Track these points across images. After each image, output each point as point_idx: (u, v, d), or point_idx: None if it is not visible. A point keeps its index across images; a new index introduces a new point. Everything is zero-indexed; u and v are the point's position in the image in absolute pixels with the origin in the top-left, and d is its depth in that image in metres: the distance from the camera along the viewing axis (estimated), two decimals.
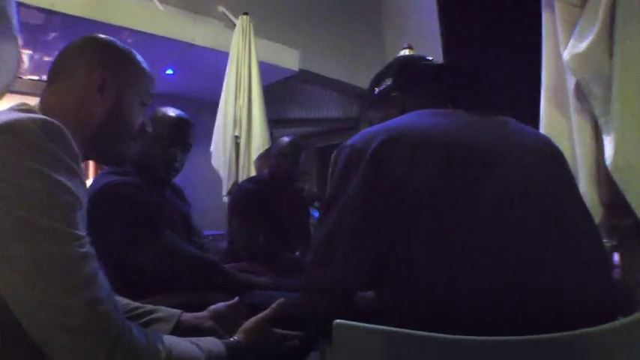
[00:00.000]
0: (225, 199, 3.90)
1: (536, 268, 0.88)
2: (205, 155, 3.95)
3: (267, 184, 2.77)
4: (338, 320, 0.80)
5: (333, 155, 1.09)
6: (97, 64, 1.05)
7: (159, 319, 1.26)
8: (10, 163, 0.78)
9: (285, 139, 2.80)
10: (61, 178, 0.81)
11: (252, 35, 3.90)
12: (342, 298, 1.02)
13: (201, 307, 1.48)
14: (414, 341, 0.76)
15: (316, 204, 5.25)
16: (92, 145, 1.04)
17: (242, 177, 3.79)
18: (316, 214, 4.07)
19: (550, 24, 1.77)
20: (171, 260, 1.76)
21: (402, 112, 1.18)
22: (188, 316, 1.32)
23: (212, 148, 3.93)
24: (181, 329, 1.25)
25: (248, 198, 2.68)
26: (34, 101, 1.03)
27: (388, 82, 1.29)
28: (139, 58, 1.15)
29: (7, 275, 0.76)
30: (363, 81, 7.49)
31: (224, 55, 3.96)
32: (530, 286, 0.87)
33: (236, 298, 1.44)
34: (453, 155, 0.94)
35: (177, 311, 1.30)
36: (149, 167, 1.88)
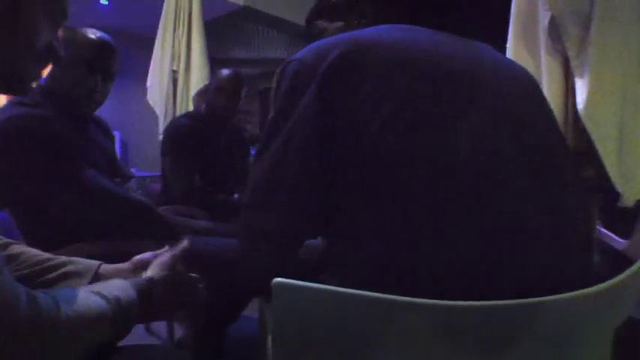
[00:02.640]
0: (161, 137, 3.67)
1: (517, 217, 0.74)
2: (140, 92, 3.69)
3: (204, 120, 2.55)
4: (277, 279, 0.63)
5: (276, 73, 0.89)
6: None
7: (72, 274, 1.04)
8: None
9: (225, 71, 2.56)
10: None
11: None
12: (285, 248, 0.85)
13: (128, 258, 1.29)
14: (370, 304, 0.60)
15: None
16: None
17: (179, 114, 3.58)
18: None
19: None
20: (91, 203, 1.55)
21: (370, 24, 1.00)
22: (108, 268, 1.11)
23: (148, 83, 3.67)
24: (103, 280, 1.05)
25: (183, 134, 2.46)
26: None
27: None
28: None
29: None
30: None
31: None
32: (508, 239, 0.73)
33: (165, 247, 1.25)
34: (428, 76, 0.77)
35: (94, 263, 1.08)
36: (65, 97, 1.63)
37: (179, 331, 2.16)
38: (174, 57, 3.61)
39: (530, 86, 0.92)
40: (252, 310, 1.70)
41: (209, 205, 2.32)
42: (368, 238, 0.74)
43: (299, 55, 0.83)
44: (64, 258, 1.09)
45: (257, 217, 0.83)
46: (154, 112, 3.66)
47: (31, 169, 1.43)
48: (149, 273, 0.97)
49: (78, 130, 1.69)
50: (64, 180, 1.49)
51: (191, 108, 3.57)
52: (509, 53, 1.64)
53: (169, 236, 1.73)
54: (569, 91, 1.55)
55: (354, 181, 0.75)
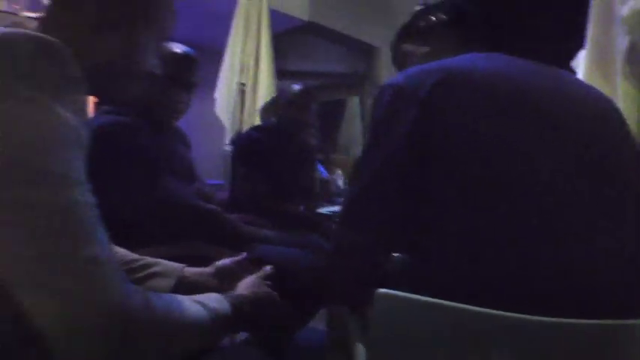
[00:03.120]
0: (228, 147, 3.79)
1: (595, 247, 0.77)
2: (207, 101, 3.81)
3: (275, 133, 2.64)
4: (381, 290, 0.69)
5: (374, 97, 0.95)
6: None
7: (158, 274, 1.14)
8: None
9: (296, 86, 2.65)
10: (62, 110, 0.66)
11: None
12: (373, 262, 0.90)
13: (203, 261, 1.38)
14: (466, 316, 0.65)
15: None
16: (93, 78, 0.85)
17: (246, 126, 3.69)
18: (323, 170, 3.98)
19: None
20: (171, 208, 1.66)
21: (455, 49, 1.05)
22: (191, 271, 1.20)
23: (216, 94, 3.80)
24: (184, 286, 1.14)
25: (254, 146, 2.54)
26: None
27: (440, 16, 1.15)
28: None
29: None
30: (368, 35, 7.30)
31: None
32: (585, 267, 0.76)
33: (243, 254, 1.33)
34: (516, 106, 0.82)
35: (179, 265, 1.18)
36: (151, 108, 1.74)
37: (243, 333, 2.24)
38: (242, 70, 3.73)
39: (613, 116, 0.94)
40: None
41: (276, 215, 2.40)
42: (453, 253, 0.79)
43: (396, 80, 0.89)
44: (150, 259, 1.18)
45: (350, 233, 0.88)
46: (218, 122, 3.77)
47: (116, 174, 1.51)
48: (240, 291, 1.05)
49: (161, 139, 1.80)
50: (146, 186, 1.59)
51: (258, 121, 3.67)
52: (585, 77, 1.64)
53: (239, 243, 1.82)
54: None
55: (444, 202, 0.80)
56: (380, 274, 0.91)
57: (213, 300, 0.91)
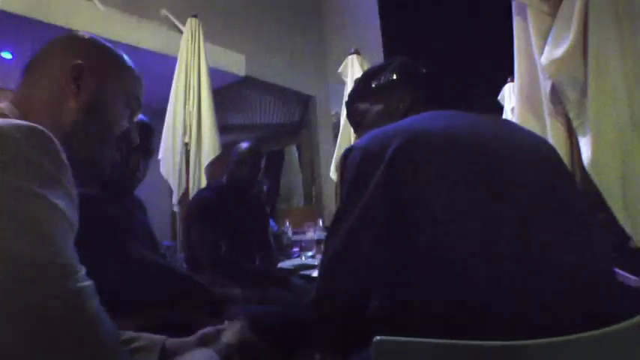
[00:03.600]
0: (176, 208, 3.78)
1: (561, 274, 0.87)
2: (150, 162, 3.80)
3: (226, 191, 2.67)
4: (378, 337, 0.75)
5: (339, 159, 1.04)
6: (74, 54, 0.92)
7: (141, 349, 1.13)
8: None
9: (244, 144, 2.71)
10: (55, 200, 0.66)
11: (201, 39, 3.80)
12: (357, 311, 0.96)
13: (179, 327, 1.38)
14: (463, 351, 0.72)
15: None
16: (64, 148, 0.82)
17: (192, 185, 3.69)
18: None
19: (521, 30, 1.81)
20: (138, 275, 1.65)
21: (408, 108, 1.18)
22: (174, 342, 1.19)
23: (160, 155, 3.79)
24: (168, 355, 1.13)
25: (207, 206, 2.57)
26: None
27: (390, 77, 1.26)
28: (123, 55, 1.02)
29: None
30: (303, 86, 7.53)
31: (170, 60, 3.83)
32: (554, 291, 0.86)
33: (225, 323, 1.34)
34: (475, 157, 0.92)
35: (160, 338, 1.18)
36: (112, 176, 1.75)
37: None
38: (185, 130, 3.73)
39: (551, 153, 1.07)
40: None
41: (236, 272, 2.42)
42: (434, 294, 0.86)
43: (361, 143, 0.98)
44: (132, 333, 1.17)
45: (332, 284, 0.95)
46: (162, 184, 3.75)
47: (84, 245, 1.52)
48: (225, 340, 1.08)
49: (121, 207, 1.81)
50: (115, 254, 1.59)
51: (203, 179, 3.69)
52: (517, 118, 1.81)
53: (210, 305, 1.84)
54: (574, 147, 1.72)
55: (420, 248, 0.87)
56: (360, 322, 0.98)
57: (205, 357, 0.95)
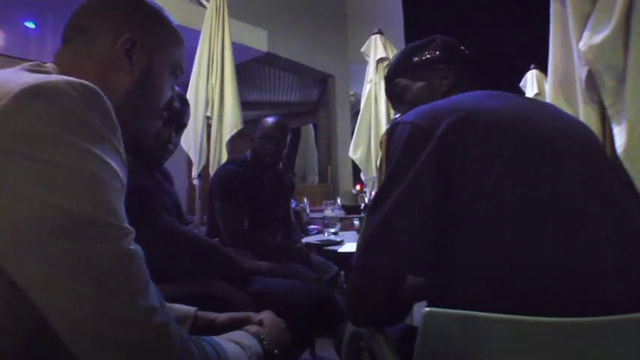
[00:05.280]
0: (196, 182, 3.81)
1: (609, 261, 0.88)
2: None
3: (251, 166, 2.68)
4: (428, 308, 0.77)
5: (385, 133, 1.03)
6: (126, 24, 0.88)
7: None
8: (48, 137, 0.61)
9: (270, 119, 2.72)
10: (109, 159, 0.66)
11: (226, 13, 3.79)
12: (394, 288, 0.98)
13: (205, 297, 1.40)
14: (513, 326, 0.74)
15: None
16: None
17: (213, 159, 3.71)
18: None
19: (559, 15, 1.80)
20: (172, 245, 1.68)
21: (451, 85, 1.19)
22: (203, 315, 1.21)
23: None
24: (197, 327, 1.16)
25: (232, 180, 2.57)
26: None
27: (434, 53, 1.26)
28: (172, 20, 0.98)
29: (45, 279, 0.60)
30: (323, 65, 7.51)
31: (193, 33, 3.82)
32: (600, 270, 0.87)
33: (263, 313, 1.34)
34: (522, 138, 0.93)
35: (191, 309, 1.20)
36: (141, 148, 1.77)
37: None
38: (207, 104, 3.74)
39: (595, 139, 1.07)
40: None
41: (256, 247, 2.45)
42: (480, 272, 0.87)
43: (408, 118, 0.98)
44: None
45: (374, 260, 0.95)
46: (181, 157, 3.75)
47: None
48: (264, 330, 1.08)
49: (152, 178, 1.83)
50: (146, 225, 1.62)
51: (224, 153, 3.71)
52: (550, 101, 1.81)
53: (238, 276, 1.86)
54: (606, 136, 1.71)
55: (465, 228, 0.89)
56: (397, 296, 0.99)
57: (243, 337, 0.97)
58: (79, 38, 0.88)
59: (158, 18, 0.95)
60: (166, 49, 0.95)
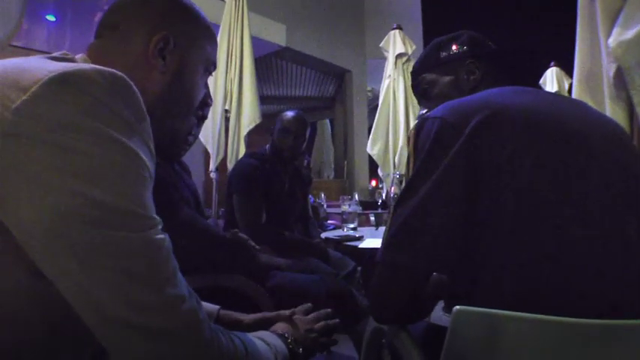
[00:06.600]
0: (213, 175, 3.81)
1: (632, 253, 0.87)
2: None
3: (270, 160, 2.68)
4: (458, 307, 0.76)
5: (414, 128, 1.02)
6: (160, 22, 0.86)
7: None
8: (78, 125, 0.60)
9: (290, 113, 2.70)
10: (137, 149, 0.65)
11: (245, 7, 3.79)
12: (421, 284, 0.96)
13: (224, 291, 1.40)
14: (545, 327, 0.73)
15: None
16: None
17: (231, 153, 3.71)
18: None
19: (587, 10, 1.76)
20: (192, 238, 1.68)
21: (478, 81, 1.18)
22: (226, 313, 1.21)
23: None
24: (221, 325, 1.16)
25: (252, 174, 2.56)
26: None
27: (461, 48, 1.24)
28: (204, 16, 0.96)
29: (72, 268, 0.59)
30: (340, 60, 7.48)
31: (213, 27, 3.81)
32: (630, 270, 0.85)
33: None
34: (553, 136, 0.91)
35: (214, 307, 1.20)
36: (175, 148, 1.77)
37: None
38: (226, 97, 3.74)
39: (624, 135, 1.05)
40: None
41: (274, 242, 2.44)
42: (510, 270, 0.85)
43: (437, 113, 0.96)
44: None
45: (398, 256, 0.94)
46: (198, 150, 3.76)
47: None
48: (292, 331, 1.07)
49: (171, 170, 1.84)
50: (164, 218, 1.62)
51: (243, 147, 3.71)
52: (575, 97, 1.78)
53: (257, 271, 1.86)
54: (633, 134, 1.68)
55: (493, 226, 0.87)
56: (422, 293, 0.98)
57: (269, 336, 0.96)
58: (112, 35, 0.87)
59: (192, 15, 0.93)
60: (200, 46, 0.93)
